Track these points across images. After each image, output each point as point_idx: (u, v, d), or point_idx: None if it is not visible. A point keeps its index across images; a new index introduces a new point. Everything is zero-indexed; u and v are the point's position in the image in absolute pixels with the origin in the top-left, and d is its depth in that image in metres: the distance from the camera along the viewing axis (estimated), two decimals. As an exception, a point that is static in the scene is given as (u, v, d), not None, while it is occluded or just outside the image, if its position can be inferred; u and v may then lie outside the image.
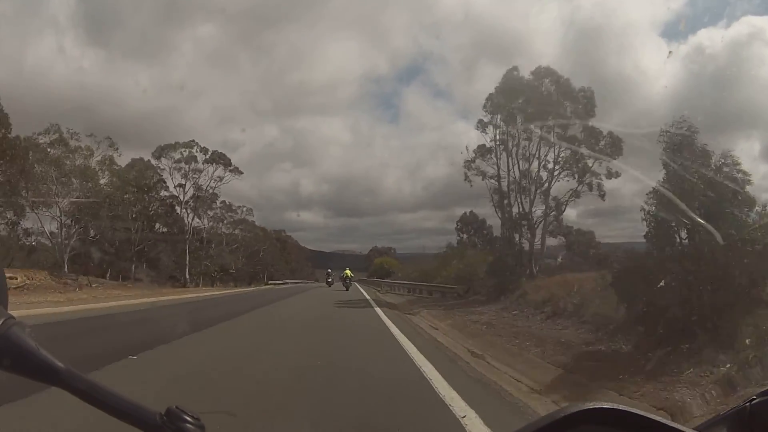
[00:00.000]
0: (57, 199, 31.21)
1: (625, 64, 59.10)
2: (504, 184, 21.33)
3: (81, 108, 61.42)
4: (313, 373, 5.87)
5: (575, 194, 21.70)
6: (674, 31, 77.43)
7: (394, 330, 10.27)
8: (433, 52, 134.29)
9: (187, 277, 41.28)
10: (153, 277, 40.35)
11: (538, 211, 21.35)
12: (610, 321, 8.15)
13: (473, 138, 25.14)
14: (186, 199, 42.77)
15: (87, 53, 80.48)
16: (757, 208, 7.18)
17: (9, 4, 51.89)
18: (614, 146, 21.70)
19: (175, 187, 42.11)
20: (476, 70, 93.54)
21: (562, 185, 21.35)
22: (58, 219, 31.97)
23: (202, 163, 42.08)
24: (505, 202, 21.11)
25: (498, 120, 20.86)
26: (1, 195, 28.37)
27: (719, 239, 6.27)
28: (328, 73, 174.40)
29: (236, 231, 49.48)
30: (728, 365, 5.17)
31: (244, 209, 48.52)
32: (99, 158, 33.01)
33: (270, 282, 51.36)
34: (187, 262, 41.54)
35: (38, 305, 15.50)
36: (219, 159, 42.74)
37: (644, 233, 7.78)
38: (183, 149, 42.02)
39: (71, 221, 32.58)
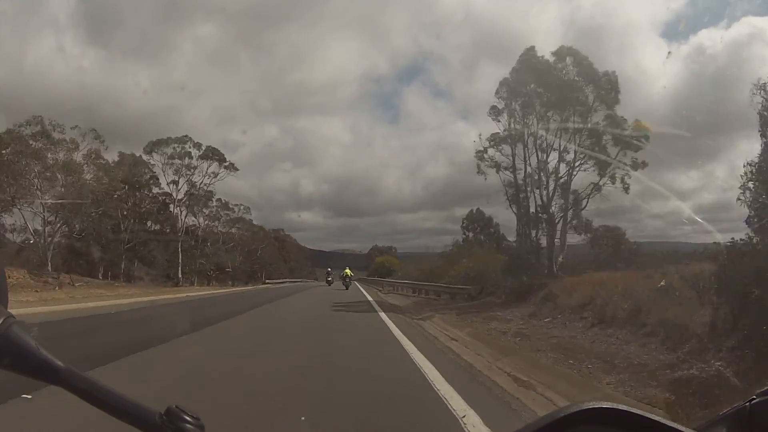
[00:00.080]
0: (39, 194, 29.46)
1: (626, 64, 57.82)
2: (519, 176, 19.50)
3: (81, 108, 60.39)
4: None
5: (596, 188, 19.91)
6: (674, 31, 76.07)
7: (406, 343, 8.28)
8: (433, 51, 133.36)
9: (180, 276, 39.45)
10: (145, 275, 38.73)
11: (555, 205, 19.56)
12: (688, 332, 6.32)
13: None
14: (179, 196, 41.12)
15: (87, 53, 79.46)
16: None
17: (9, 4, 50.44)
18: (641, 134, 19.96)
19: (168, 183, 40.44)
20: (476, 69, 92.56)
21: (583, 177, 19.51)
22: (42, 215, 30.21)
23: (196, 159, 40.40)
24: (521, 195, 19.25)
25: (515, 105, 18.96)
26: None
27: None
28: (328, 73, 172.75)
29: (233, 229, 48.08)
30: None
31: (241, 207, 46.82)
32: (84, 152, 31.18)
33: (267, 281, 49.84)
34: (180, 261, 39.82)
35: None
36: (213, 155, 41.01)
37: (745, 218, 5.96)
38: (176, 144, 40.31)
39: (55, 217, 30.83)
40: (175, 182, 40.59)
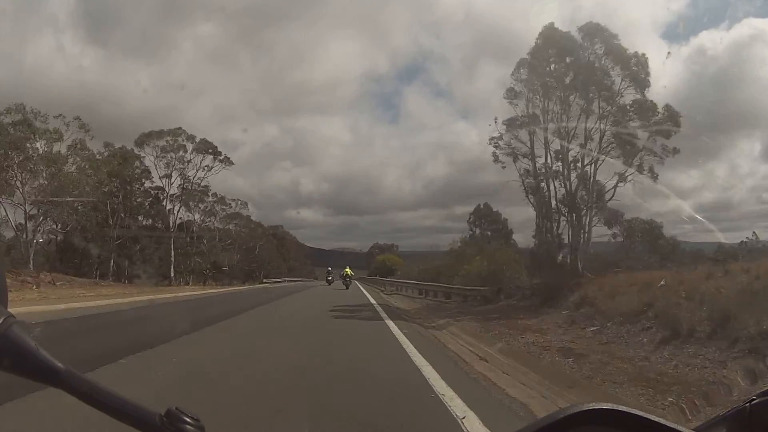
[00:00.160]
0: (20, 186, 27.60)
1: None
2: (539, 164, 17.56)
3: (81, 107, 59.03)
4: None
5: (622, 178, 17.98)
6: (674, 32, 74.45)
7: (429, 372, 5.63)
8: (433, 51, 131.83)
9: (172, 274, 37.58)
10: (136, 274, 36.84)
11: (579, 196, 17.61)
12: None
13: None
14: (172, 191, 39.28)
15: (86, 51, 78.05)
16: None
17: (9, 3, 48.96)
18: (672, 121, 18.06)
19: (160, 178, 38.56)
20: (476, 69, 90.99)
21: (609, 167, 17.55)
22: (23, 209, 28.36)
23: (190, 153, 38.54)
24: (542, 185, 17.31)
25: (537, 84, 16.97)
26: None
27: None
28: (329, 72, 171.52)
29: (230, 226, 46.19)
30: None
31: (239, 202, 44.88)
32: (69, 142, 29.28)
33: (265, 280, 48.02)
34: (173, 259, 37.97)
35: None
36: (206, 148, 39.14)
37: None
38: (169, 137, 38.42)
39: (38, 211, 28.98)
40: (168, 176, 38.78)
